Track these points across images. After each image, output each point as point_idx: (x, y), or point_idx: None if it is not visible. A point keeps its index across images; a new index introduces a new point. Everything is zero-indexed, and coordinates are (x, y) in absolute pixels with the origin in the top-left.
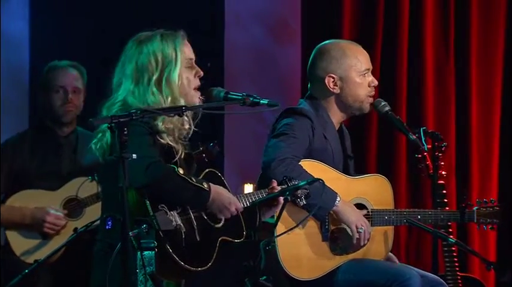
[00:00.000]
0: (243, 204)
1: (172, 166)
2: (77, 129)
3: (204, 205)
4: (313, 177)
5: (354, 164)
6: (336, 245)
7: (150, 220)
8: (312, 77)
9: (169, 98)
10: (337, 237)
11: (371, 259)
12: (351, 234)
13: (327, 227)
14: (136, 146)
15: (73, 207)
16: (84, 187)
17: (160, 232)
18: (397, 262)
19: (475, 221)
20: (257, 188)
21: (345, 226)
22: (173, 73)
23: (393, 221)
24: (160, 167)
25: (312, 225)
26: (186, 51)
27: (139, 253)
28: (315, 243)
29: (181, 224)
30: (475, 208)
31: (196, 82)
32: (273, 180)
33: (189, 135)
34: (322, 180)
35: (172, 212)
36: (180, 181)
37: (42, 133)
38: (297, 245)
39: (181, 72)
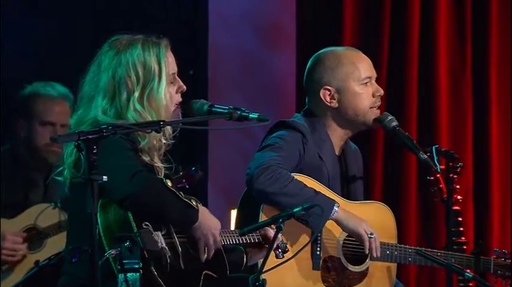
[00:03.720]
0: (231, 241)
1: (160, 177)
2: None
3: (191, 224)
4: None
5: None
6: (329, 276)
7: (134, 236)
8: (308, 90)
9: (155, 118)
10: (330, 267)
11: None
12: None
13: (318, 253)
14: (118, 158)
15: (32, 238)
16: (45, 214)
17: (145, 251)
18: None
19: (492, 271)
20: (238, 212)
21: (340, 255)
22: (158, 89)
23: (396, 257)
24: (147, 175)
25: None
26: (170, 64)
27: (121, 275)
28: (304, 271)
29: (166, 248)
30: (492, 257)
31: (178, 98)
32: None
33: (162, 153)
34: (320, 205)
35: (157, 233)
36: (168, 193)
37: (12, 161)
38: (283, 273)
39: (166, 88)
